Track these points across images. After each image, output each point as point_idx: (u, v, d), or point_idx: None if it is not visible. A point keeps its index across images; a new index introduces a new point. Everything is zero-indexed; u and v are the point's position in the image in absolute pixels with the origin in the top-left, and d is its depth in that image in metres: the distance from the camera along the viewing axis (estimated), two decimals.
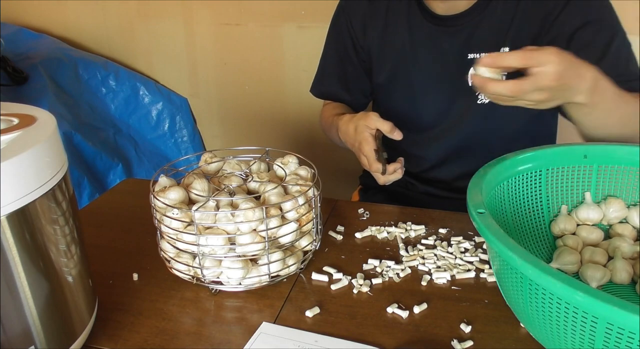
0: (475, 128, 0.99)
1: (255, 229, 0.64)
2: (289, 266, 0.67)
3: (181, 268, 0.67)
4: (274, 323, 0.62)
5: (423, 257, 0.73)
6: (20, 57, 1.76)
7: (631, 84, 0.86)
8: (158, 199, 0.65)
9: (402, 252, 0.75)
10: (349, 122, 0.89)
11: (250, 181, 0.71)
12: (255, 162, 0.76)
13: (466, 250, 0.75)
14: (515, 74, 0.68)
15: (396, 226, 0.82)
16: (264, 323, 0.61)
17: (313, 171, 0.74)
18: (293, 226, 0.66)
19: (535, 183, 0.71)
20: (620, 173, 0.72)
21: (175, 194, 0.66)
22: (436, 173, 1.06)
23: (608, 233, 0.72)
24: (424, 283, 0.68)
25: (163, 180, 0.70)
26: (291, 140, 1.91)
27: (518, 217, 0.70)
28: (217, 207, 0.65)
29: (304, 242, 0.70)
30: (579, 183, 0.73)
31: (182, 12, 1.85)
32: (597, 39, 0.86)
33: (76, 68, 1.79)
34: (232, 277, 0.64)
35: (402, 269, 0.71)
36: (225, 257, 0.64)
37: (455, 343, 0.57)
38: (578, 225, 0.72)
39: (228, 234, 0.64)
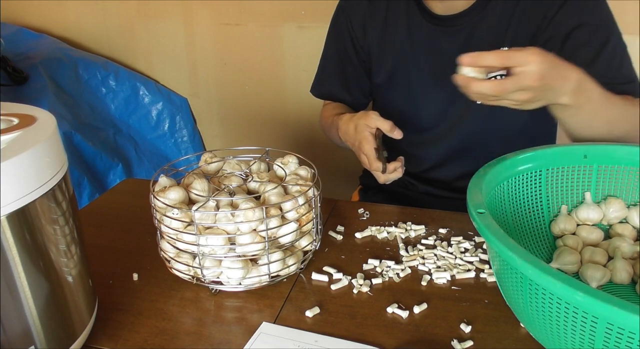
0: (475, 128, 0.99)
1: (255, 229, 0.64)
2: (289, 266, 0.67)
3: (181, 268, 0.67)
4: (274, 323, 0.62)
5: (423, 257, 0.73)
6: (20, 57, 1.76)
7: (624, 86, 0.86)
8: (158, 199, 0.65)
9: (402, 252, 0.75)
10: (349, 122, 0.89)
11: (250, 181, 0.71)
12: (255, 162, 0.76)
13: (466, 250, 0.75)
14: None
15: (396, 226, 0.82)
16: (264, 323, 0.61)
17: (313, 171, 0.74)
18: (293, 226, 0.66)
19: (535, 183, 0.71)
20: (620, 173, 0.72)
21: (175, 194, 0.66)
22: (436, 173, 1.06)
23: (608, 233, 0.72)
24: (424, 283, 0.68)
25: (163, 180, 0.70)
26: (291, 140, 1.91)
27: (518, 217, 0.70)
28: (217, 207, 0.65)
29: (304, 242, 0.70)
30: (579, 183, 0.73)
31: (182, 12, 1.85)
32: (592, 40, 0.86)
33: (76, 68, 1.79)
34: (232, 277, 0.64)
35: (402, 269, 0.71)
36: (225, 257, 0.64)
37: (455, 343, 0.57)
38: (578, 225, 0.72)
39: (228, 234, 0.64)
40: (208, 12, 1.82)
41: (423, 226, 0.81)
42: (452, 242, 0.77)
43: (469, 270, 0.70)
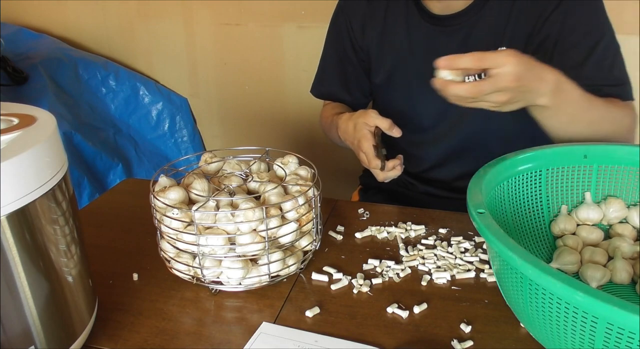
0: (475, 128, 0.99)
1: (255, 229, 0.64)
2: (289, 266, 0.67)
3: (181, 268, 0.67)
4: (274, 323, 0.62)
5: (423, 257, 0.73)
6: (20, 57, 1.76)
7: (612, 88, 0.86)
8: (158, 199, 0.65)
9: (402, 252, 0.75)
10: (348, 121, 0.90)
11: (250, 181, 0.71)
12: (255, 162, 0.76)
13: (466, 250, 0.75)
14: None
15: (396, 226, 0.82)
16: (264, 323, 0.61)
17: (313, 171, 0.74)
18: (293, 226, 0.66)
19: (535, 183, 0.71)
20: (620, 173, 0.72)
21: (175, 194, 0.66)
22: (436, 173, 1.06)
23: (608, 233, 0.72)
24: (424, 283, 0.68)
25: (163, 180, 0.70)
26: (291, 140, 1.91)
27: (518, 217, 0.70)
28: (217, 207, 0.65)
29: (304, 242, 0.70)
30: (579, 183, 0.73)
31: (182, 12, 1.85)
32: (583, 42, 0.86)
33: (76, 68, 1.79)
34: (232, 277, 0.64)
35: (402, 269, 0.71)
36: (225, 257, 0.64)
37: (455, 343, 0.57)
38: (578, 225, 0.72)
39: (228, 234, 0.64)
40: (208, 12, 1.82)
41: (423, 226, 0.81)
42: (452, 242, 0.77)
43: (469, 270, 0.70)
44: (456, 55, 0.67)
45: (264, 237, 0.64)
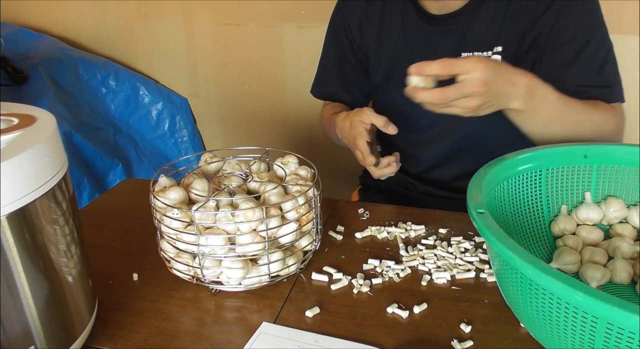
0: (473, 128, 0.99)
1: (255, 229, 0.64)
2: (289, 266, 0.67)
3: (181, 268, 0.67)
4: (274, 323, 0.62)
5: (423, 257, 0.73)
6: (20, 57, 1.76)
7: (598, 90, 0.86)
8: (158, 199, 0.65)
9: (402, 252, 0.75)
10: (345, 119, 0.91)
11: (250, 181, 0.71)
12: (255, 162, 0.76)
13: (466, 250, 0.75)
14: None
15: (396, 226, 0.82)
16: (264, 323, 0.61)
17: (313, 171, 0.74)
18: (293, 226, 0.66)
19: (535, 183, 0.71)
20: (620, 173, 0.72)
21: (175, 194, 0.66)
22: (435, 173, 1.06)
23: (608, 233, 0.72)
24: (424, 283, 0.68)
25: (163, 180, 0.70)
26: (291, 140, 1.91)
27: (518, 217, 0.70)
28: (217, 207, 0.65)
29: (304, 242, 0.70)
30: (579, 183, 0.73)
31: (182, 12, 1.85)
32: (573, 41, 0.86)
33: (76, 68, 1.79)
34: (232, 277, 0.64)
35: (402, 269, 0.71)
36: (225, 257, 0.64)
37: (455, 343, 0.57)
38: (578, 225, 0.72)
39: (228, 234, 0.64)
40: (208, 12, 1.82)
41: (423, 226, 0.81)
42: (452, 242, 0.77)
43: (469, 270, 0.70)
44: (426, 62, 0.69)
45: (264, 237, 0.64)
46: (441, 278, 0.69)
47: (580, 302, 0.42)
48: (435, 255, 0.74)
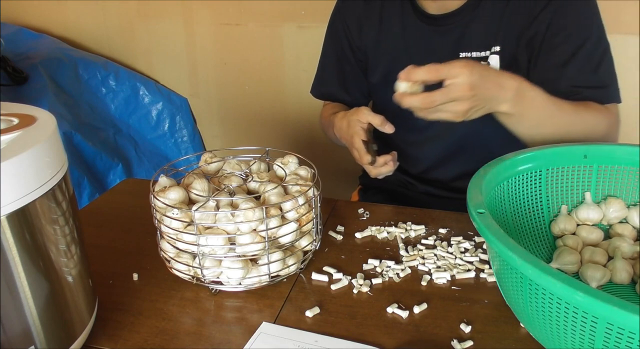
0: (471, 128, 0.99)
1: (255, 229, 0.64)
2: (289, 266, 0.67)
3: (181, 268, 0.67)
4: (274, 323, 0.62)
5: (423, 257, 0.73)
6: (20, 57, 1.76)
7: (592, 91, 0.86)
8: (158, 199, 0.65)
9: (402, 252, 0.75)
10: (343, 119, 0.91)
11: (250, 181, 0.71)
12: (255, 162, 0.76)
13: (466, 250, 0.75)
14: None
15: (396, 226, 0.82)
16: (264, 323, 0.61)
17: (313, 171, 0.74)
18: (293, 226, 0.66)
19: (535, 183, 0.71)
20: (620, 173, 0.72)
21: (175, 194, 0.66)
22: (435, 173, 1.07)
23: (608, 233, 0.72)
24: (424, 283, 0.68)
25: (163, 180, 0.70)
26: (291, 140, 1.91)
27: (518, 217, 0.70)
28: (217, 207, 0.65)
29: (304, 242, 0.70)
30: (579, 183, 0.73)
31: (182, 12, 1.85)
32: (568, 42, 0.86)
33: (76, 68, 1.79)
34: (232, 277, 0.64)
35: (402, 269, 0.71)
36: (225, 257, 0.64)
37: (455, 343, 0.57)
38: (578, 225, 0.72)
39: (228, 234, 0.64)
40: (208, 12, 1.82)
41: (423, 226, 0.81)
42: (452, 242, 0.77)
43: (469, 270, 0.70)
44: (414, 67, 0.70)
45: (264, 237, 0.64)
46: (441, 278, 0.69)
47: (580, 302, 0.42)
48: (435, 255, 0.74)
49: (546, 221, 0.73)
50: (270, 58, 1.81)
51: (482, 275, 0.69)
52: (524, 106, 0.76)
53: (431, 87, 0.71)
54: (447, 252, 0.74)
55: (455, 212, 0.85)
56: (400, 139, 1.05)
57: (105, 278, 0.70)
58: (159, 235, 0.69)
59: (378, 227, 0.81)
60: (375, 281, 0.69)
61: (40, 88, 1.65)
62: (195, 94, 1.97)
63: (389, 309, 0.63)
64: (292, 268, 0.68)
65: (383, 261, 0.73)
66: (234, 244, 0.64)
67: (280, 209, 0.66)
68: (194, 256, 0.66)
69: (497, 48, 0.91)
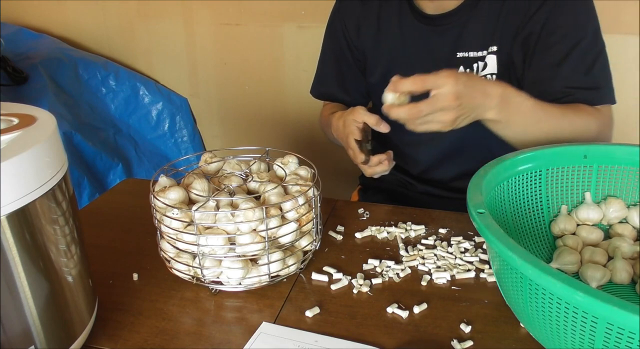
0: (468, 129, 0.98)
1: (255, 229, 0.64)
2: (289, 266, 0.67)
3: (181, 268, 0.67)
4: (274, 323, 0.62)
5: (423, 257, 0.73)
6: (20, 57, 1.76)
7: (586, 92, 0.86)
8: (158, 199, 0.65)
9: (402, 252, 0.75)
10: (340, 118, 0.92)
11: (250, 181, 0.71)
12: (255, 162, 0.76)
13: (466, 250, 0.75)
14: None
15: (396, 226, 0.82)
16: (264, 323, 0.61)
17: (313, 171, 0.74)
18: (293, 226, 0.66)
19: (535, 183, 0.71)
20: (620, 173, 0.72)
21: (175, 194, 0.66)
22: (433, 173, 1.07)
23: (608, 233, 0.72)
24: (424, 283, 0.68)
25: (163, 180, 0.70)
26: (291, 140, 1.91)
27: (518, 217, 0.70)
28: (217, 207, 0.65)
29: (304, 242, 0.70)
30: (579, 183, 0.73)
31: (182, 12, 1.85)
32: (563, 42, 0.86)
33: (76, 68, 1.79)
34: (232, 277, 0.64)
35: (402, 269, 0.71)
36: (225, 257, 0.64)
37: (455, 343, 0.57)
38: (578, 225, 0.72)
39: (228, 234, 0.64)
40: (208, 12, 1.82)
41: (423, 226, 0.81)
42: (452, 242, 0.77)
43: (469, 270, 0.70)
44: (400, 78, 0.72)
45: (264, 237, 0.64)
46: (441, 278, 0.69)
47: (580, 302, 0.42)
48: (435, 255, 0.74)
49: (546, 221, 0.73)
50: (270, 58, 1.81)
51: (482, 275, 0.69)
52: (510, 112, 0.77)
53: (419, 97, 0.72)
54: (447, 252, 0.74)
55: (455, 212, 0.85)
56: (398, 139, 1.05)
57: (105, 278, 0.70)
58: (159, 235, 0.69)
59: (378, 227, 0.81)
60: (375, 281, 0.69)
61: (40, 88, 1.65)
62: (195, 94, 1.97)
63: (389, 309, 0.63)
64: (292, 268, 0.68)
65: (383, 261, 0.73)
66: (234, 244, 0.64)
67: (280, 209, 0.66)
68: (194, 256, 0.66)
69: (494, 48, 0.91)
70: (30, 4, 2.01)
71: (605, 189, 0.73)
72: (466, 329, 0.59)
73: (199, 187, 0.68)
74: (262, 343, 0.58)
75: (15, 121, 0.52)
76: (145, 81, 1.87)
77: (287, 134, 1.91)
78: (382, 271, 0.71)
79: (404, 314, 0.62)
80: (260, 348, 0.57)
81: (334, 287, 0.68)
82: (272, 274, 0.66)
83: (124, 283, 0.70)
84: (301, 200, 0.67)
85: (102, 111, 1.81)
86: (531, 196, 0.71)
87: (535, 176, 0.71)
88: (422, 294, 0.66)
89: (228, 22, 1.81)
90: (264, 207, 0.63)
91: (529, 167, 0.70)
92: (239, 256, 0.64)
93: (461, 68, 0.94)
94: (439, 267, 0.71)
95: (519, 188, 0.70)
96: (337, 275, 0.70)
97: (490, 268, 0.70)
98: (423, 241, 0.78)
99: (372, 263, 0.73)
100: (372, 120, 0.83)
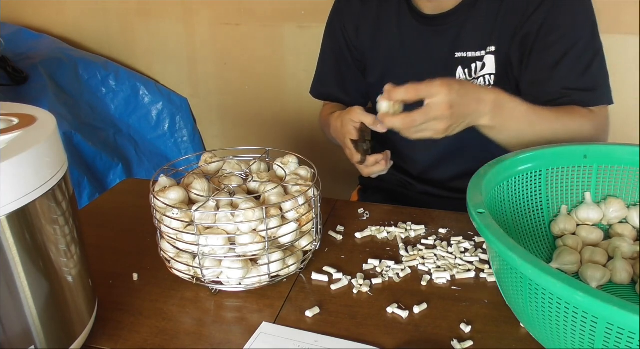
0: (469, 128, 0.99)
1: (255, 229, 0.64)
2: (288, 266, 0.67)
3: (181, 268, 0.67)
4: (274, 323, 0.62)
5: (423, 257, 0.73)
6: (20, 57, 1.76)
7: (581, 94, 0.86)
8: (158, 199, 0.65)
9: (402, 252, 0.75)
10: (338, 118, 0.92)
11: (250, 181, 0.71)
12: (255, 162, 0.76)
13: (466, 250, 0.75)
14: None
15: (396, 226, 0.82)
16: (264, 323, 0.61)
17: (313, 171, 0.74)
18: (293, 226, 0.66)
19: (535, 183, 0.71)
20: (620, 173, 0.72)
21: (175, 194, 0.66)
22: (433, 173, 1.07)
23: (608, 233, 0.72)
24: (424, 283, 0.68)
25: (163, 180, 0.70)
26: (291, 140, 1.91)
27: (518, 217, 0.70)
28: (217, 207, 0.65)
29: (304, 242, 0.70)
30: (579, 183, 0.73)
31: (182, 12, 1.85)
32: (559, 43, 0.86)
33: (76, 68, 1.79)
34: (232, 277, 0.64)
35: (402, 269, 0.71)
36: (225, 257, 0.64)
37: (455, 343, 0.57)
38: (578, 225, 0.72)
39: (228, 234, 0.64)
40: (208, 12, 1.82)
41: (423, 226, 0.81)
42: (452, 242, 0.77)
43: (469, 270, 0.70)
44: (393, 87, 0.72)
45: (264, 237, 0.64)
46: (441, 278, 0.69)
47: (580, 302, 0.42)
48: (435, 255, 0.74)
49: (546, 221, 0.73)
50: (270, 58, 1.81)
51: (482, 275, 0.69)
52: (503, 117, 0.78)
53: (413, 105, 0.73)
54: (447, 252, 0.74)
55: (455, 212, 0.85)
56: (397, 139, 1.05)
57: (105, 278, 0.70)
58: (159, 235, 0.69)
59: (378, 227, 0.81)
60: (375, 281, 0.69)
61: (40, 88, 1.65)
62: (195, 94, 1.97)
63: (389, 309, 0.63)
64: (292, 268, 0.68)
65: (383, 261, 0.73)
66: (234, 244, 0.64)
67: (280, 209, 0.66)
68: (194, 256, 0.66)
69: (493, 48, 0.91)
70: (30, 4, 2.01)
71: (605, 189, 0.73)
72: (466, 329, 0.59)
73: (199, 187, 0.68)
74: (262, 343, 0.58)
75: (15, 121, 0.52)
76: (145, 81, 1.87)
77: (287, 134, 1.91)
78: (382, 271, 0.71)
79: (404, 314, 0.62)
80: (260, 348, 0.57)
81: (334, 287, 0.68)
82: (272, 274, 0.66)
83: (124, 283, 0.70)
84: (301, 200, 0.67)
85: (102, 111, 1.81)
86: (531, 196, 0.71)
87: (535, 176, 0.71)
88: (422, 294, 0.66)
89: (228, 22, 1.81)
90: (264, 207, 0.63)
91: (529, 167, 0.70)
92: (239, 256, 0.64)
93: (459, 68, 0.94)
94: (439, 267, 0.71)
95: (519, 188, 0.70)
96: (337, 275, 0.70)
97: (490, 268, 0.70)
98: (423, 241, 0.78)
99: (372, 262, 0.73)
100: (369, 120, 0.83)
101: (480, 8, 0.91)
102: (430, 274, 0.70)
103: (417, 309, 0.63)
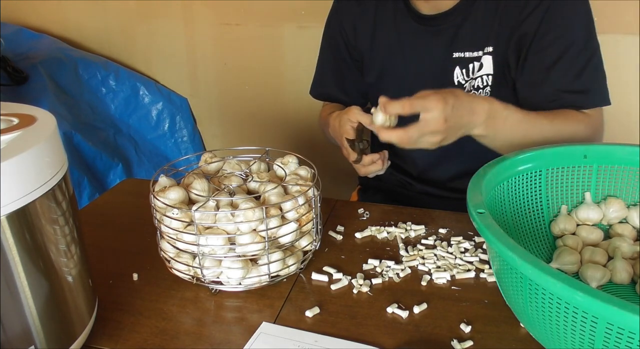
0: None
1: (255, 229, 0.64)
2: (288, 266, 0.67)
3: (181, 268, 0.67)
4: (274, 323, 0.62)
5: (423, 257, 0.73)
6: (20, 57, 1.76)
7: (576, 96, 0.87)
8: (158, 199, 0.65)
9: (402, 252, 0.75)
10: (336, 118, 0.92)
11: (250, 181, 0.71)
12: (255, 162, 0.76)
13: (466, 250, 0.75)
14: None
15: (396, 226, 0.82)
16: (263, 323, 0.61)
17: (313, 171, 0.74)
18: (293, 226, 0.66)
19: (535, 183, 0.71)
20: (620, 173, 0.72)
21: (175, 194, 0.66)
22: (432, 173, 1.07)
23: (608, 233, 0.72)
24: (424, 283, 0.68)
25: (163, 180, 0.70)
26: (291, 140, 1.91)
27: (518, 217, 0.70)
28: (217, 207, 0.65)
29: (303, 243, 0.70)
30: (579, 183, 0.73)
31: (182, 12, 1.85)
32: (556, 44, 0.87)
33: (76, 68, 1.79)
34: (232, 277, 0.64)
35: (402, 269, 0.71)
36: (225, 257, 0.64)
37: (455, 343, 0.57)
38: (578, 225, 0.72)
39: (228, 234, 0.64)
40: (208, 12, 1.82)
41: (423, 226, 0.81)
42: (452, 242, 0.77)
43: (469, 270, 0.70)
44: (389, 100, 0.73)
45: (264, 237, 0.64)
46: (441, 278, 0.69)
47: (580, 302, 0.42)
48: (435, 255, 0.74)
49: (546, 221, 0.73)
50: (270, 58, 1.81)
51: (482, 275, 0.69)
52: (496, 127, 0.79)
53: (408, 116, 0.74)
54: (447, 252, 0.74)
55: (455, 212, 0.85)
56: None
57: (105, 278, 0.70)
58: (159, 235, 0.69)
59: (378, 227, 0.81)
60: (375, 281, 0.69)
61: (40, 88, 1.65)
62: (195, 94, 1.97)
63: (389, 309, 0.63)
64: (292, 268, 0.68)
65: (383, 261, 0.73)
66: (234, 244, 0.64)
67: (280, 209, 0.66)
68: (194, 256, 0.66)
69: (490, 48, 0.91)
70: (30, 4, 2.01)
71: (605, 189, 0.73)
72: (466, 329, 0.59)
73: (199, 187, 0.68)
74: (262, 343, 0.58)
75: (15, 121, 0.52)
76: (145, 81, 1.87)
77: (287, 134, 1.91)
78: (382, 271, 0.71)
79: (404, 314, 0.62)
80: (260, 348, 0.57)
81: (334, 287, 0.68)
82: (272, 274, 0.66)
83: (124, 283, 0.70)
84: (301, 200, 0.67)
85: (102, 111, 1.81)
86: (531, 196, 0.71)
87: (535, 176, 0.71)
88: (422, 294, 0.66)
89: (228, 22, 1.81)
90: (264, 207, 0.63)
91: (529, 167, 0.70)
92: (239, 256, 0.64)
93: (457, 68, 0.94)
94: (439, 267, 0.71)
95: (519, 188, 0.70)
96: (337, 275, 0.70)
97: (490, 268, 0.70)
98: (423, 241, 0.78)
99: (372, 262, 0.73)
100: (366, 119, 0.84)
101: (478, 8, 0.91)
102: (430, 274, 0.70)
103: (417, 309, 0.63)
